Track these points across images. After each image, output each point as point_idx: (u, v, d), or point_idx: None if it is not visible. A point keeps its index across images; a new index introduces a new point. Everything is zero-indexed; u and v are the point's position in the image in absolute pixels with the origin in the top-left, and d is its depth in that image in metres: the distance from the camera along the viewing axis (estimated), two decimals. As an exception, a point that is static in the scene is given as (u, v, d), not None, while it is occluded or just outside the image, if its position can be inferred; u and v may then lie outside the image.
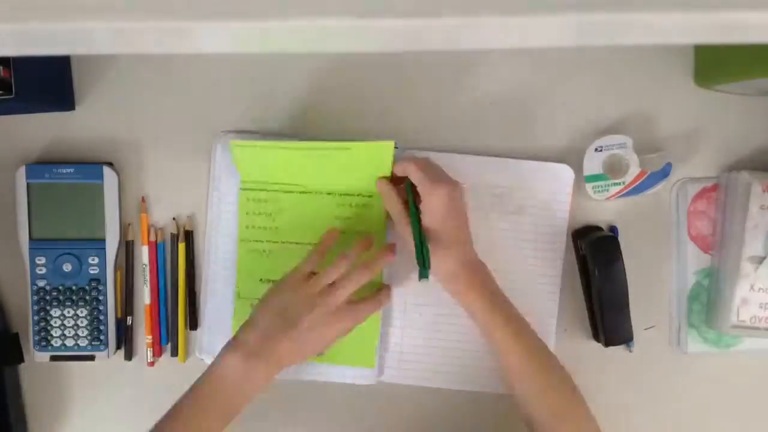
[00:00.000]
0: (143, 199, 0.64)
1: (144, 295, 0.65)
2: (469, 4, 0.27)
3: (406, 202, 0.59)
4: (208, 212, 0.65)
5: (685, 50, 0.64)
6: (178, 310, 0.65)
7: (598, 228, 0.65)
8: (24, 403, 0.66)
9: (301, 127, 0.64)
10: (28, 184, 0.62)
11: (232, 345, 0.56)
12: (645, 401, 0.67)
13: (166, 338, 0.66)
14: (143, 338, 0.65)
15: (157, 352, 0.66)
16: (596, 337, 0.65)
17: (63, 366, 0.66)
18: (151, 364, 0.65)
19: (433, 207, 0.56)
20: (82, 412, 0.66)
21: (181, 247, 0.64)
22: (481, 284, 0.58)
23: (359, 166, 0.60)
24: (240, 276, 0.64)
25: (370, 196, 0.63)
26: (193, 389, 0.55)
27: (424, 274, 0.55)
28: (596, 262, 0.62)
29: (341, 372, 0.65)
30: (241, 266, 0.64)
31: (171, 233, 0.65)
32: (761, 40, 0.28)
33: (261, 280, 0.64)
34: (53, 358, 0.64)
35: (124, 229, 0.64)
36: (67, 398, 0.66)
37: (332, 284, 0.57)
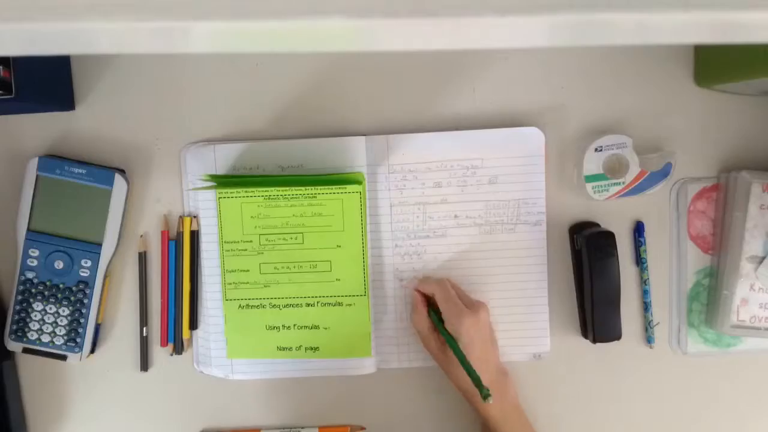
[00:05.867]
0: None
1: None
2: (467, 4, 0.27)
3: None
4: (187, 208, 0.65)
5: (685, 50, 0.64)
6: (183, 311, 0.65)
7: (595, 224, 0.65)
8: (24, 403, 0.66)
9: (297, 125, 0.64)
10: (37, 176, 0.62)
11: None
12: (645, 401, 0.67)
13: (173, 338, 0.66)
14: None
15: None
16: (585, 333, 0.65)
17: (63, 366, 0.66)
18: None
19: (462, 338, 0.59)
20: (82, 412, 0.66)
21: (186, 247, 0.64)
22: (502, 397, 0.61)
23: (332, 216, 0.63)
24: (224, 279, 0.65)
25: (352, 296, 0.64)
26: None
27: (485, 394, 0.54)
28: (591, 256, 0.62)
29: (341, 365, 0.65)
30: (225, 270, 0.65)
31: (162, 232, 0.65)
32: (761, 40, 0.28)
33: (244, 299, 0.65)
34: (26, 350, 0.64)
35: (137, 240, 0.65)
36: (67, 398, 0.66)
37: None
